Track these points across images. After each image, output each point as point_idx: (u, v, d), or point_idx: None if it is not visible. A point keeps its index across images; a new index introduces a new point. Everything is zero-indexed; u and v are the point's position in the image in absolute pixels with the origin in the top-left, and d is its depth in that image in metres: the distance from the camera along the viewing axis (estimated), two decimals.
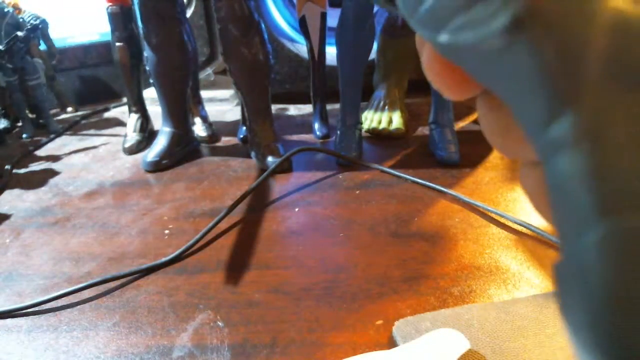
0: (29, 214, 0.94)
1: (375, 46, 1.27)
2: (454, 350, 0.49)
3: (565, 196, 0.12)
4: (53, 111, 1.57)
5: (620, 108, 0.11)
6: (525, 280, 0.65)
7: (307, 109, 1.45)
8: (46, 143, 1.35)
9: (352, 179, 1.00)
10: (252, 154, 1.11)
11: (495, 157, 1.05)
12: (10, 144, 1.36)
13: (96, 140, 1.35)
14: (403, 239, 0.77)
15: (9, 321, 0.64)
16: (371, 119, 1.23)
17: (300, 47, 1.50)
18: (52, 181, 1.09)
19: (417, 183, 0.95)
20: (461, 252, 0.73)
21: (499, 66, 0.12)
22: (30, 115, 1.45)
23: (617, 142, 0.11)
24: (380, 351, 0.51)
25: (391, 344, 0.55)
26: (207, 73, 1.59)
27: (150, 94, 1.45)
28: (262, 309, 0.63)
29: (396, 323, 0.56)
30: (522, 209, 0.83)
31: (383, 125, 1.21)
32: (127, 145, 1.24)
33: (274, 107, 1.36)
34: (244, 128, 1.22)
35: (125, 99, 1.38)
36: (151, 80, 1.14)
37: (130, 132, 1.28)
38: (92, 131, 1.44)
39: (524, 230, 0.77)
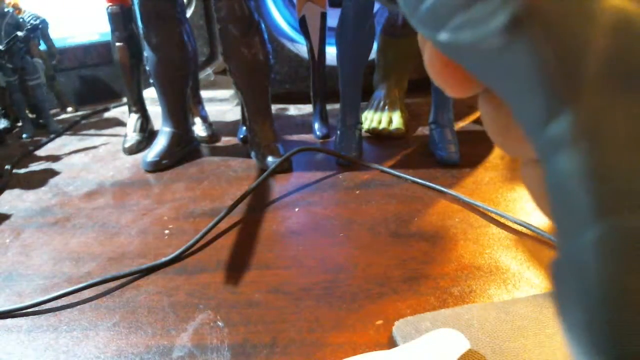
0: (29, 214, 0.94)
1: (375, 46, 1.27)
2: (454, 350, 0.49)
3: (564, 195, 0.12)
4: (53, 111, 1.57)
5: (619, 108, 0.11)
6: (525, 280, 0.65)
7: (307, 109, 1.45)
8: (46, 143, 1.35)
9: (352, 179, 1.00)
10: (252, 154, 1.11)
11: (495, 157, 1.05)
12: (10, 144, 1.36)
13: (96, 140, 1.35)
14: (403, 239, 0.77)
15: (9, 321, 0.64)
16: (371, 119, 1.23)
17: (300, 47, 1.50)
18: (52, 181, 1.09)
19: (417, 183, 0.95)
20: (461, 252, 0.73)
21: (498, 65, 0.13)
22: (30, 115, 1.45)
23: (615, 142, 0.11)
24: (380, 351, 0.51)
25: (391, 344, 0.55)
26: (207, 73, 1.59)
27: (150, 94, 1.45)
28: (262, 309, 0.63)
29: (396, 323, 0.56)
30: (522, 209, 0.83)
31: (383, 125, 1.21)
32: (127, 145, 1.24)
33: (274, 107, 1.35)
34: (244, 128, 1.22)
35: (125, 99, 1.38)
36: (151, 80, 1.14)
37: (130, 132, 1.28)
38: (92, 131, 1.44)
39: (524, 230, 0.77)
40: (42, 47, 1.52)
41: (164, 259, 0.74)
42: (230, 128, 1.34)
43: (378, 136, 1.22)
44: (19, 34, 1.35)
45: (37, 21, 1.45)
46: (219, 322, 0.61)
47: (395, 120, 1.21)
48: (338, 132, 1.14)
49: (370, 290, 0.65)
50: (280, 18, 1.56)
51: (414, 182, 0.95)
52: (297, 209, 0.89)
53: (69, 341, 0.60)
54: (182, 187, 1.02)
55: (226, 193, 0.97)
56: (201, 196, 0.97)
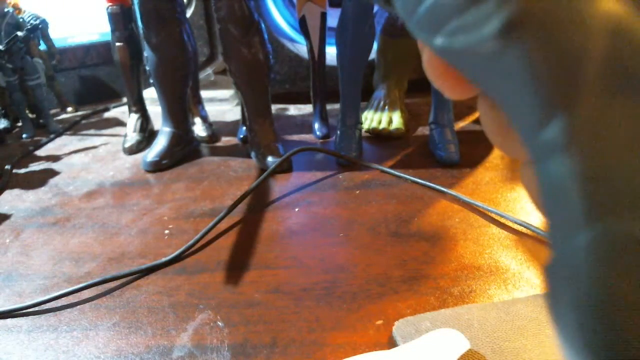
0: (29, 214, 0.94)
1: (375, 46, 1.27)
2: (454, 350, 0.49)
3: (556, 199, 0.12)
4: (53, 111, 1.57)
5: (612, 114, 0.11)
6: (525, 280, 0.65)
7: (307, 109, 1.45)
8: (46, 143, 1.35)
9: (352, 179, 1.00)
10: (252, 154, 1.11)
11: (495, 157, 1.05)
12: (10, 144, 1.36)
13: (96, 140, 1.35)
14: (403, 239, 0.77)
15: (9, 321, 0.64)
16: (371, 119, 1.23)
17: (300, 47, 1.50)
18: (52, 181, 1.09)
19: (417, 183, 0.95)
20: (461, 252, 0.73)
21: (492, 69, 0.13)
22: (30, 115, 1.45)
23: (607, 148, 0.11)
24: (380, 351, 0.51)
25: (391, 344, 0.55)
26: (207, 73, 1.59)
27: (150, 94, 1.45)
28: (262, 309, 0.63)
29: (396, 323, 0.56)
30: (522, 209, 0.83)
31: (383, 125, 1.21)
32: (127, 145, 1.24)
33: (274, 107, 1.36)
34: (244, 128, 1.22)
35: (125, 99, 1.38)
36: (151, 80, 1.14)
37: (130, 132, 1.28)
38: (92, 131, 1.44)
39: (524, 230, 0.77)
40: (42, 47, 1.52)
41: (164, 259, 0.74)
42: (230, 128, 1.34)
43: (378, 136, 1.22)
44: (19, 34, 1.35)
45: (37, 21, 1.45)
46: (219, 322, 0.61)
47: (395, 120, 1.21)
48: (338, 132, 1.14)
49: (370, 290, 0.65)
50: (280, 18, 1.56)
51: (414, 182, 0.95)
52: (297, 209, 0.89)
53: (69, 341, 0.60)
54: (182, 187, 1.02)
55: (226, 193, 0.97)
56: (201, 196, 0.97)
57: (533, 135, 0.12)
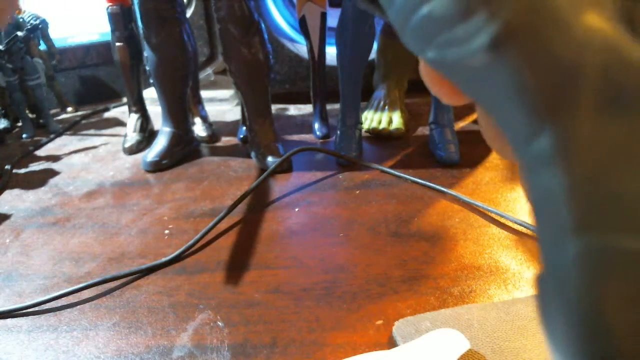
0: (29, 214, 0.94)
1: (375, 46, 1.27)
2: (454, 350, 0.49)
3: (546, 210, 0.12)
4: (53, 111, 1.57)
5: (600, 128, 0.11)
6: (525, 280, 0.65)
7: (307, 109, 1.45)
8: (46, 143, 1.35)
9: (352, 179, 1.00)
10: (252, 154, 1.11)
11: (495, 157, 1.05)
12: (10, 144, 1.36)
13: (96, 140, 1.35)
14: (403, 239, 0.77)
15: (9, 321, 0.64)
16: (371, 119, 1.23)
17: (300, 47, 1.50)
18: (52, 181, 1.09)
19: (417, 183, 0.95)
20: (461, 252, 0.73)
21: (482, 82, 0.13)
22: (30, 115, 1.45)
23: (595, 162, 0.11)
24: (380, 351, 0.51)
25: (391, 344, 0.55)
26: (207, 73, 1.59)
27: (150, 94, 1.45)
28: (262, 309, 0.63)
29: (396, 323, 0.56)
30: (522, 209, 0.83)
31: (383, 125, 1.21)
32: (127, 145, 1.24)
33: (274, 107, 1.36)
34: (244, 128, 1.22)
35: (125, 99, 1.38)
36: (151, 80, 1.14)
37: (130, 132, 1.28)
38: (92, 131, 1.44)
39: (524, 230, 0.77)
40: (42, 47, 1.52)
41: (164, 259, 0.74)
42: (230, 128, 1.34)
43: (378, 136, 1.22)
44: (19, 34, 1.35)
45: (37, 21, 1.45)
46: (219, 322, 0.61)
47: (395, 120, 1.21)
48: (338, 132, 1.14)
49: (370, 290, 0.65)
50: (280, 18, 1.56)
51: (414, 182, 0.95)
52: (297, 209, 0.89)
53: (69, 341, 0.60)
54: (182, 187, 1.02)
55: (226, 193, 0.97)
56: (201, 196, 0.97)
57: (523, 147, 0.12)
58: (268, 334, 0.59)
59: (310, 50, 1.24)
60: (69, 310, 0.66)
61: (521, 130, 0.12)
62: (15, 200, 1.01)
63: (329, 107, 1.31)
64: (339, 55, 1.11)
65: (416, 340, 0.51)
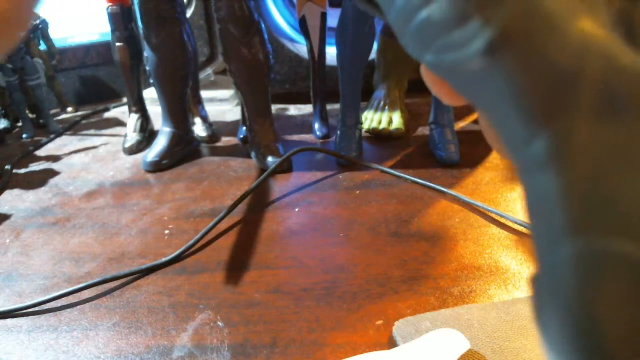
0: (29, 214, 0.94)
1: (375, 46, 1.27)
2: (454, 350, 0.49)
3: (541, 213, 0.12)
4: (53, 111, 1.56)
5: (591, 133, 0.12)
6: (525, 280, 0.65)
7: (307, 109, 1.45)
8: (46, 143, 1.35)
9: (352, 179, 1.00)
10: (252, 154, 1.11)
11: (495, 157, 1.05)
12: (10, 144, 1.36)
13: (96, 140, 1.35)
14: (403, 239, 0.77)
15: (9, 321, 0.64)
16: (371, 119, 1.23)
17: (300, 47, 1.50)
18: (52, 181, 1.09)
19: (417, 183, 0.95)
20: (461, 252, 0.73)
21: (479, 86, 0.13)
22: (30, 115, 1.45)
23: (590, 166, 0.11)
24: (380, 351, 0.51)
25: (391, 344, 0.55)
26: (207, 73, 1.59)
27: (150, 94, 1.45)
28: (262, 309, 0.63)
29: (396, 323, 0.56)
30: (522, 209, 0.83)
31: (383, 125, 1.21)
32: (127, 145, 1.24)
33: (274, 107, 1.35)
34: (244, 128, 1.22)
35: (125, 99, 1.38)
36: (151, 80, 1.14)
37: (130, 132, 1.28)
38: (92, 131, 1.44)
39: (524, 230, 0.77)
40: (42, 47, 1.52)
41: (164, 259, 0.74)
42: (230, 128, 1.34)
43: (378, 136, 1.22)
44: None
45: (37, 21, 1.45)
46: (219, 322, 0.61)
47: (395, 120, 1.21)
48: (338, 132, 1.14)
49: (370, 290, 0.65)
50: (280, 18, 1.56)
51: (414, 182, 0.95)
52: (297, 209, 0.89)
53: (69, 341, 0.60)
54: (182, 187, 1.02)
55: (226, 193, 0.97)
56: (201, 196, 0.97)
57: (519, 149, 0.13)
58: (268, 334, 0.59)
59: (310, 50, 1.24)
60: (69, 310, 0.66)
61: (517, 134, 0.12)
62: (15, 200, 1.01)
63: (329, 107, 1.31)
64: (339, 55, 1.11)
65: (416, 340, 0.51)
